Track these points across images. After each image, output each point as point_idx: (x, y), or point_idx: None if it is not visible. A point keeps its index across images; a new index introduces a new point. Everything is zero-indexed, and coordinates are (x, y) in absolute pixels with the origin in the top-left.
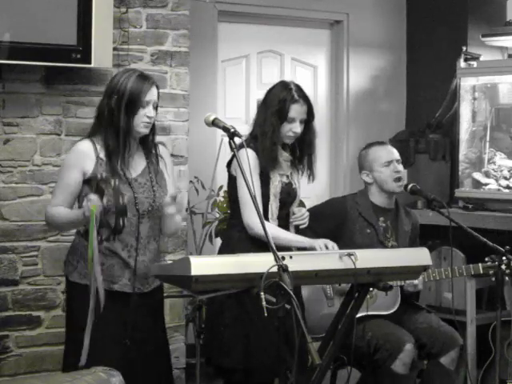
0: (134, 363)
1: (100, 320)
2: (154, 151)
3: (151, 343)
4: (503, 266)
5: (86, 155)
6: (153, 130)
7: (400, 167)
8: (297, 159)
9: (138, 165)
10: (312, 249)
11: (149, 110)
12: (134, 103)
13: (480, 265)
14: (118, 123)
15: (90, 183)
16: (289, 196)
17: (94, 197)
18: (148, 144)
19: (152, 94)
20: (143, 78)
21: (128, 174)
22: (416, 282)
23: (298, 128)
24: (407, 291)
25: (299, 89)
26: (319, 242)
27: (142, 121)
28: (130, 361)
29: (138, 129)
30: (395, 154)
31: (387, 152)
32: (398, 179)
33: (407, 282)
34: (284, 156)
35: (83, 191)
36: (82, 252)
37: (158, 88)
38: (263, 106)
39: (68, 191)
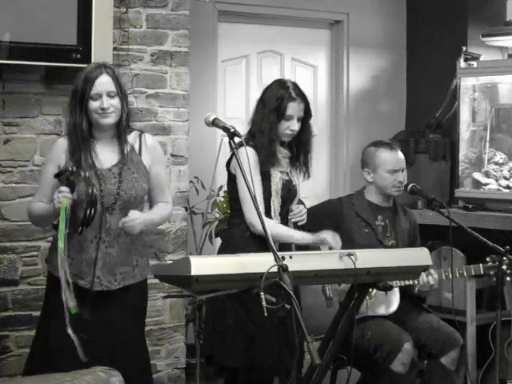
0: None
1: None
2: (126, 140)
3: (113, 343)
4: (504, 266)
5: (61, 150)
6: (121, 118)
7: (403, 176)
8: (294, 157)
9: (111, 155)
10: (316, 246)
11: (102, 102)
12: (82, 99)
13: (481, 265)
14: (75, 117)
15: (61, 177)
16: (289, 193)
17: (64, 189)
18: (120, 133)
19: (101, 84)
20: (91, 70)
21: (98, 165)
22: (432, 282)
23: (295, 126)
24: (423, 292)
25: (296, 87)
26: (324, 235)
27: (96, 112)
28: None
29: (95, 120)
30: (402, 162)
31: (396, 160)
32: (398, 187)
33: (422, 282)
34: (283, 153)
35: (56, 185)
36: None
37: (110, 74)
38: (260, 104)
39: (47, 186)
